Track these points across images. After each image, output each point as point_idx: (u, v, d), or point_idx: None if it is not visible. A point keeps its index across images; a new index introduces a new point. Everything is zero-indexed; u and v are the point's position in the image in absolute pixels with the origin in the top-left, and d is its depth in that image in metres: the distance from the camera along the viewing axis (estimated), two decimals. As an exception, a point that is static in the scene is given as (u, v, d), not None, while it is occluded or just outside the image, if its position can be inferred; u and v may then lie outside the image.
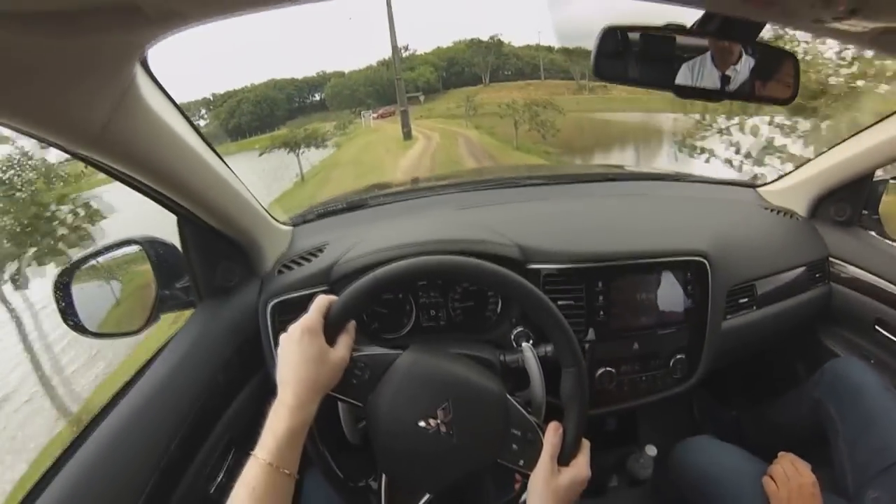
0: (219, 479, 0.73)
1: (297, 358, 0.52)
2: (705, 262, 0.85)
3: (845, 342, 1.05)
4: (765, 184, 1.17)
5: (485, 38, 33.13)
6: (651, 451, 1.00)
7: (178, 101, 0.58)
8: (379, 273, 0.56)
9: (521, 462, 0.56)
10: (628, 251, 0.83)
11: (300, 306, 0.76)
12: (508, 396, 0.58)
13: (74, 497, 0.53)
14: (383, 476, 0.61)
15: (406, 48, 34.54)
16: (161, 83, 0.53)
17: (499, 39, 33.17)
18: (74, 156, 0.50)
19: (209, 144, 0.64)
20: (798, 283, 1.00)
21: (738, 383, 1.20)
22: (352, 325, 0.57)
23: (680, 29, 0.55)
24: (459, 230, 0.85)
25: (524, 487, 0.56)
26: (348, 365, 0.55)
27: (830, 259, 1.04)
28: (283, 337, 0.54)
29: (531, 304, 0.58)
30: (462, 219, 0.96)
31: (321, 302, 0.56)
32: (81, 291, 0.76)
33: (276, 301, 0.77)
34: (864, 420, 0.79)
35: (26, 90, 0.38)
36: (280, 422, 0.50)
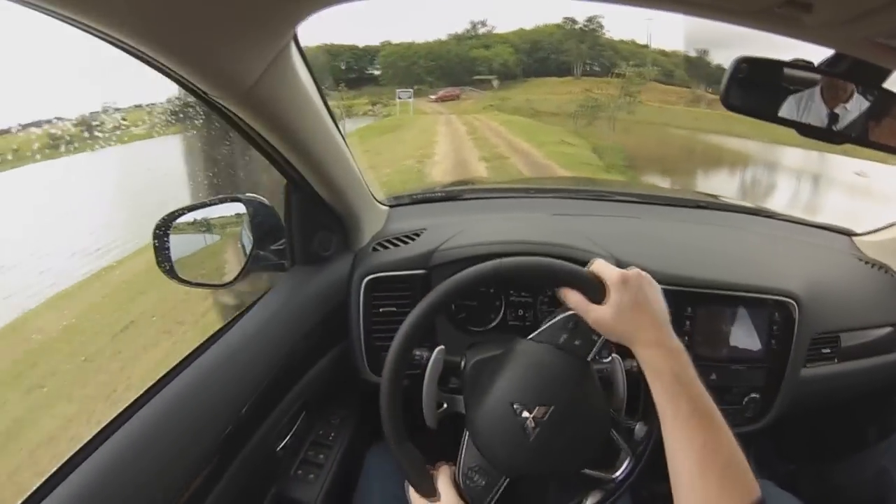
0: (286, 440, 0.76)
1: None
2: (795, 304, 0.82)
3: None
4: (862, 234, 1.11)
5: (581, 19, 25.34)
6: None
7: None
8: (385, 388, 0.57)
9: (594, 336, 0.57)
10: (721, 281, 0.81)
11: (395, 285, 0.81)
12: (528, 338, 0.59)
13: (149, 438, 0.55)
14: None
15: (483, 23, 27.21)
16: (306, 56, 0.56)
17: (599, 23, 25.12)
18: (211, 105, 0.53)
19: (335, 120, 0.67)
20: (884, 342, 0.95)
21: (803, 437, 1.15)
22: (438, 469, 0.59)
23: (806, 65, 0.54)
24: (556, 235, 0.85)
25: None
26: (466, 486, 0.57)
27: None
28: None
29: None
30: (557, 224, 0.96)
31: (412, 494, 0.58)
32: (179, 239, 0.82)
33: (372, 277, 0.80)
34: None
35: (194, 34, 0.40)
36: None
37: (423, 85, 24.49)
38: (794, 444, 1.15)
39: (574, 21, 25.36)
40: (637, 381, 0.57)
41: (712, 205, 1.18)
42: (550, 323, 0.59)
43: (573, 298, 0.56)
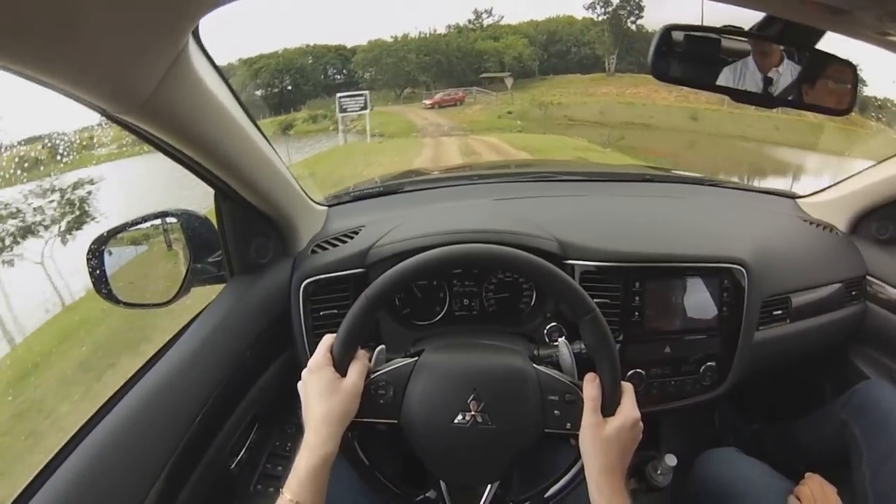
0: (241, 455, 0.73)
1: (310, 396, 0.54)
2: (743, 270, 0.83)
3: (877, 364, 1.02)
4: (805, 195, 1.14)
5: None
6: (671, 460, 0.99)
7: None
8: (370, 292, 0.55)
9: (568, 425, 0.55)
10: (668, 253, 0.81)
11: (334, 287, 0.79)
12: (535, 366, 0.57)
13: (96, 467, 0.53)
14: (441, 483, 0.59)
15: (489, 13, 20.88)
16: (210, 54, 0.52)
17: (637, 3, 18.49)
18: (115, 121, 0.49)
19: (253, 120, 0.64)
20: (833, 300, 0.98)
21: (763, 397, 1.18)
22: (361, 352, 0.57)
23: (738, 31, 0.54)
24: (496, 221, 0.84)
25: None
26: (370, 387, 0.55)
27: (868, 277, 1.01)
28: (299, 384, 0.56)
29: (536, 274, 0.56)
30: (499, 209, 0.95)
31: (326, 340, 0.58)
32: (114, 261, 0.78)
33: (309, 280, 0.77)
34: (891, 447, 0.77)
35: (77, 46, 0.36)
36: (301, 460, 0.52)
37: (417, 87, 18.99)
38: (755, 405, 1.19)
39: (608, 2, 19.10)
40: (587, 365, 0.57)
41: (657, 177, 1.19)
42: (558, 376, 0.57)
43: (592, 390, 0.55)
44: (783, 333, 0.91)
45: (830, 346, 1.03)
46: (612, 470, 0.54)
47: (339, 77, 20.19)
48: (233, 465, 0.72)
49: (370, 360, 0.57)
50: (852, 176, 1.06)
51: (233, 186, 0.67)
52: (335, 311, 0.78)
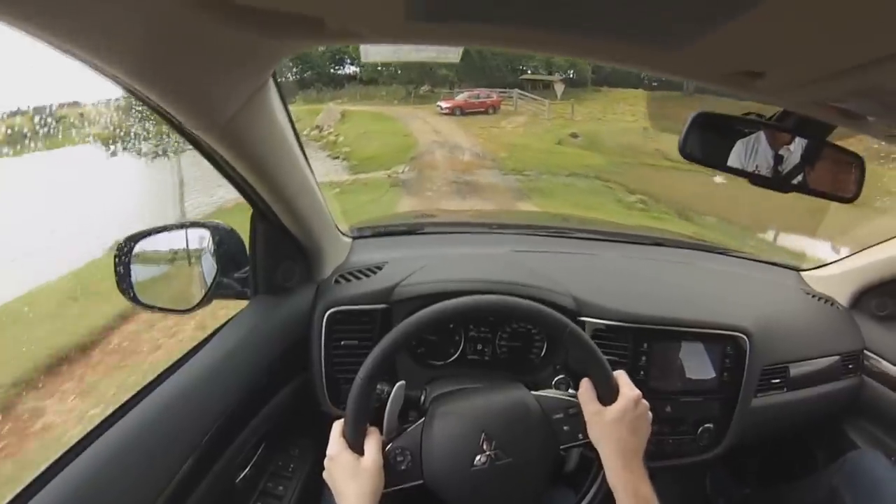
0: (246, 471, 0.74)
1: (337, 482, 0.56)
2: (746, 338, 0.86)
3: (869, 436, 1.04)
4: (809, 269, 1.18)
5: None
6: None
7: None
8: (364, 372, 0.57)
9: (580, 435, 0.58)
10: (676, 318, 0.85)
11: (356, 319, 0.81)
12: (532, 392, 0.60)
13: (105, 471, 0.54)
14: None
15: None
16: (283, 94, 0.57)
17: None
18: (187, 136, 0.53)
19: (302, 147, 0.68)
20: (830, 372, 1.00)
21: (755, 462, 1.19)
22: (372, 429, 0.60)
23: (758, 119, 0.58)
24: (515, 273, 0.87)
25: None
26: (389, 457, 0.57)
27: (865, 352, 1.04)
28: (324, 474, 0.59)
29: (509, 309, 0.60)
30: (517, 261, 0.98)
31: (336, 427, 0.60)
32: (141, 262, 0.80)
33: (333, 310, 0.79)
34: None
35: (176, 69, 0.41)
36: None
37: (436, 84, 13.51)
38: (747, 469, 1.19)
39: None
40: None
41: (667, 242, 1.23)
42: (556, 395, 0.61)
43: (586, 388, 0.59)
44: (780, 402, 0.93)
45: (825, 417, 1.05)
46: (625, 452, 0.56)
47: (342, 66, 14.21)
48: (238, 480, 0.73)
49: (390, 396, 0.60)
50: (856, 253, 1.10)
51: (273, 208, 0.70)
52: (356, 343, 0.80)
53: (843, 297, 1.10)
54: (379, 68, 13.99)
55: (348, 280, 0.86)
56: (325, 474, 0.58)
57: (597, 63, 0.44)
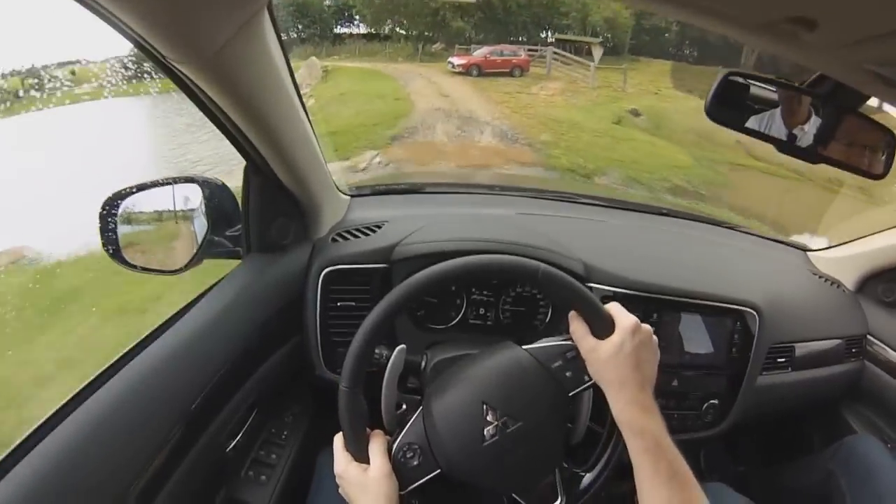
0: (237, 439, 0.72)
1: (353, 498, 0.54)
2: (756, 315, 0.85)
3: (866, 421, 1.05)
4: (817, 249, 1.16)
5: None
6: None
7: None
8: (345, 383, 0.54)
9: (585, 377, 0.55)
10: (688, 289, 0.82)
11: (354, 278, 0.77)
12: (523, 347, 0.57)
13: (93, 435, 0.51)
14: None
15: None
16: (278, 26, 0.52)
17: None
18: (170, 72, 0.48)
19: (301, 98, 0.63)
20: (834, 354, 1.00)
21: (751, 440, 1.19)
22: (374, 434, 0.57)
23: (790, 85, 0.55)
24: (521, 234, 0.84)
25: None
26: (398, 457, 0.55)
27: (868, 337, 1.03)
28: (340, 491, 0.57)
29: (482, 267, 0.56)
30: (523, 223, 0.95)
31: (337, 442, 0.57)
32: (127, 220, 0.76)
33: (330, 269, 0.76)
34: (874, 501, 0.79)
35: None
36: None
37: (451, 39, 10.55)
38: (744, 447, 1.20)
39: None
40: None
41: (676, 213, 1.21)
42: (550, 343, 0.57)
43: (577, 324, 0.55)
44: (784, 381, 0.92)
45: (825, 400, 1.05)
46: (628, 386, 0.52)
47: (349, 24, 11.67)
48: (229, 448, 0.70)
49: (390, 361, 0.57)
50: (865, 237, 1.09)
51: (268, 160, 0.66)
52: (352, 304, 0.76)
53: (849, 280, 1.09)
54: (386, 23, 11.12)
55: (346, 238, 0.82)
56: (340, 491, 0.56)
57: (648, 9, 0.39)
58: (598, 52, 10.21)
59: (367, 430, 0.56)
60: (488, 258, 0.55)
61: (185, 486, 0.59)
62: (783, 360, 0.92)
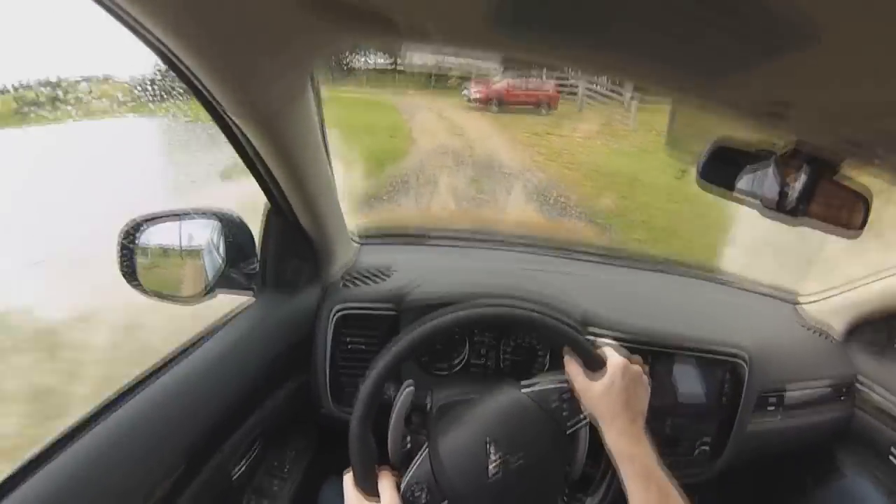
0: (240, 469, 0.73)
1: None
2: (745, 362, 0.88)
3: (859, 463, 1.06)
4: (806, 299, 1.20)
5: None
6: None
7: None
8: (353, 429, 0.57)
9: (581, 416, 0.59)
10: (680, 337, 0.86)
11: (364, 322, 0.81)
12: (523, 389, 0.61)
13: (99, 462, 0.52)
14: None
15: None
16: (320, 91, 0.58)
17: None
18: (222, 124, 0.53)
19: (328, 152, 0.68)
20: (823, 399, 1.02)
21: (745, 486, 1.20)
22: (383, 471, 0.59)
23: (771, 151, 0.59)
24: (526, 285, 0.88)
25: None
26: (407, 496, 0.57)
27: (858, 380, 1.06)
28: None
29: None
30: (526, 275, 0.99)
31: (347, 481, 0.59)
32: (146, 247, 0.79)
33: (343, 311, 0.79)
34: None
35: (236, 56, 0.41)
36: None
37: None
38: (736, 493, 1.20)
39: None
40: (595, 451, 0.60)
41: (670, 269, 1.26)
42: (546, 387, 0.62)
43: (571, 365, 0.60)
44: (774, 426, 0.95)
45: (816, 443, 1.07)
46: (617, 417, 0.56)
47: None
48: (234, 477, 0.72)
49: (399, 399, 0.60)
50: (856, 287, 1.11)
51: (292, 204, 0.70)
52: (362, 347, 0.80)
53: (838, 326, 1.12)
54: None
55: (356, 283, 0.86)
56: None
57: (635, 82, 0.43)
58: (626, 93, 8.30)
59: (376, 466, 0.59)
60: (490, 309, 0.60)
61: None
62: (773, 405, 0.95)
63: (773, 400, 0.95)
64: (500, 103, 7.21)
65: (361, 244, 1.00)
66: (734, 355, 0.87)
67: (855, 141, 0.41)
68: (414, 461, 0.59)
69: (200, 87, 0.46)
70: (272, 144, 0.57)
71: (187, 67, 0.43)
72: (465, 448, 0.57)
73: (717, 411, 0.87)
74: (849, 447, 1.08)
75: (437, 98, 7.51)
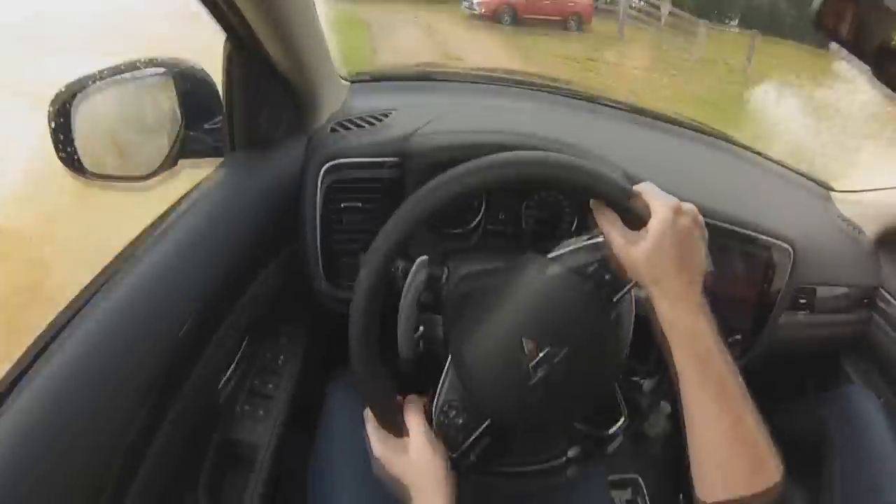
0: (229, 372, 0.64)
1: (400, 476, 0.48)
2: (791, 251, 0.83)
3: (863, 373, 1.05)
4: (841, 191, 1.12)
5: None
6: (665, 408, 1.00)
7: None
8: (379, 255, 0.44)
9: (626, 278, 0.47)
10: (727, 214, 0.78)
11: (359, 175, 0.67)
12: (550, 257, 0.49)
13: (62, 392, 0.42)
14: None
15: None
16: None
17: None
18: None
19: None
20: (848, 301, 0.99)
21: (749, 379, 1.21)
22: (408, 400, 0.50)
23: None
24: (555, 130, 0.74)
25: None
26: (441, 421, 0.49)
27: (880, 289, 1.02)
28: (383, 481, 0.50)
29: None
30: (549, 119, 0.85)
31: (369, 422, 0.50)
32: (83, 119, 0.62)
33: (331, 163, 0.65)
34: (866, 454, 0.81)
35: None
36: None
37: None
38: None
39: None
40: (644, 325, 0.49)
41: (704, 129, 1.14)
42: (578, 245, 0.49)
43: (606, 216, 0.46)
44: (803, 322, 0.91)
45: (831, 346, 1.05)
46: (669, 281, 0.44)
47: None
48: (220, 385, 0.62)
49: (410, 276, 0.50)
50: (891, 188, 1.05)
51: (258, 31, 0.53)
52: (359, 205, 0.66)
53: (871, 227, 1.05)
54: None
55: (348, 128, 0.72)
56: (377, 472, 0.50)
57: None
58: (665, 6, 6.27)
59: (399, 398, 0.50)
60: (534, 156, 0.46)
61: (177, 432, 0.51)
62: (804, 300, 0.90)
63: (803, 300, 0.90)
64: (514, 15, 5.14)
65: (352, 83, 0.84)
66: (781, 240, 0.81)
67: None
68: (442, 378, 0.50)
69: None
70: None
71: None
72: (494, 352, 0.47)
73: (756, 298, 0.83)
74: (857, 356, 1.06)
75: (429, 8, 5.62)
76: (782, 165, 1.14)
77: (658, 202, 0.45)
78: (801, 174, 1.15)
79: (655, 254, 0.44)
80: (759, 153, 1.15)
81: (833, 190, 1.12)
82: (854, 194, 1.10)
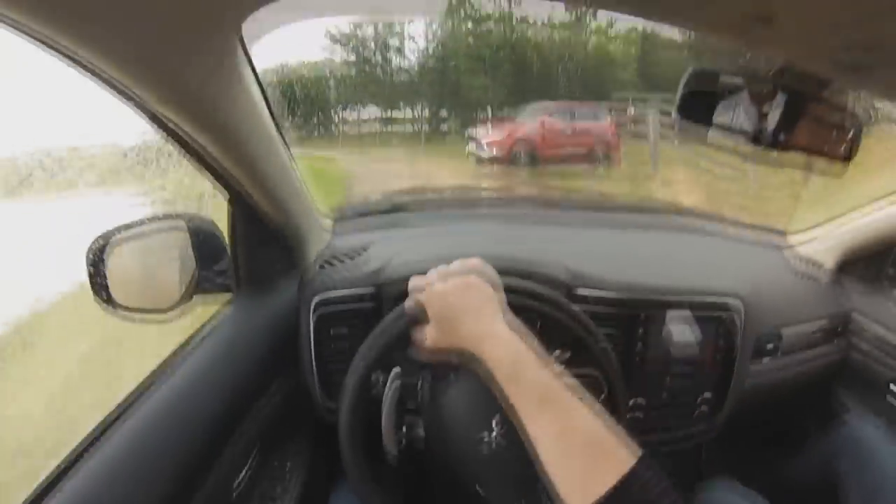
0: (241, 478, 0.70)
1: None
2: (741, 304, 0.86)
3: (858, 399, 1.06)
4: (795, 233, 1.18)
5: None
6: None
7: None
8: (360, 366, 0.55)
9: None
10: (670, 287, 0.84)
11: (343, 305, 0.78)
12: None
13: (92, 498, 0.49)
14: None
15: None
16: (252, 60, 0.53)
17: None
18: (153, 117, 0.49)
19: (279, 126, 0.64)
20: (820, 335, 1.02)
21: (749, 433, 1.20)
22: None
23: (752, 75, 0.56)
24: (504, 249, 0.84)
25: None
26: None
27: (853, 315, 1.05)
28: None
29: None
30: (508, 235, 0.97)
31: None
32: (116, 263, 0.75)
33: (320, 298, 0.76)
34: (878, 484, 0.80)
35: (134, 35, 0.37)
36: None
37: (461, 111, 5.74)
38: (743, 441, 1.21)
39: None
40: None
41: (650, 209, 1.26)
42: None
43: (416, 338, 0.54)
44: (774, 372, 0.94)
45: (816, 382, 1.07)
46: (457, 332, 0.49)
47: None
48: (234, 485, 0.69)
49: (388, 385, 0.58)
50: (845, 215, 1.10)
51: (251, 193, 0.66)
52: (345, 331, 0.77)
53: (830, 261, 1.10)
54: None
55: (332, 265, 0.83)
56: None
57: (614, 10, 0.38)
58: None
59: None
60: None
61: None
62: (770, 350, 0.94)
63: (770, 345, 0.94)
64: (531, 158, 4.14)
65: (335, 221, 0.97)
66: (728, 297, 0.86)
67: (842, 56, 0.39)
68: (411, 438, 0.58)
69: (110, 79, 0.42)
70: (211, 130, 0.53)
71: (95, 66, 0.39)
72: (465, 440, 0.54)
73: (717, 357, 0.86)
74: (847, 386, 1.08)
75: (430, 159, 4.50)
76: (734, 223, 1.21)
77: (427, 283, 0.53)
78: (756, 227, 1.21)
79: (440, 327, 0.50)
80: (709, 217, 1.23)
81: (788, 233, 1.18)
82: (807, 232, 1.16)
